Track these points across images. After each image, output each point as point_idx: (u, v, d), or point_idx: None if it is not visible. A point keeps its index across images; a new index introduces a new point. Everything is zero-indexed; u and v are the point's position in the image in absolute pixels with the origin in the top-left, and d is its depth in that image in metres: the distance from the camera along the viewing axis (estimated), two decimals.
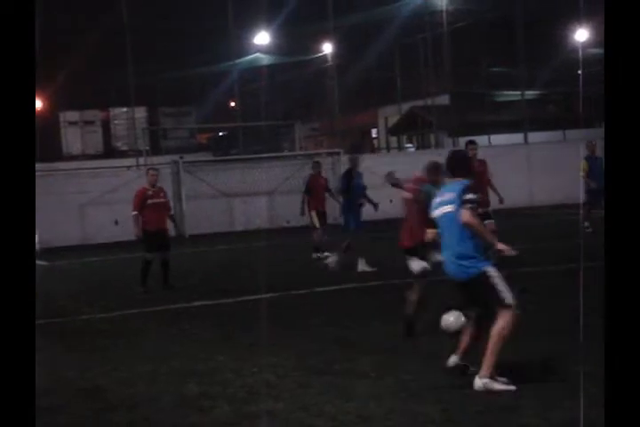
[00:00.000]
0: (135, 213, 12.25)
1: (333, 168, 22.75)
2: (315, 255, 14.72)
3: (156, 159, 25.43)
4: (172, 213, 12.90)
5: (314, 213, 15.18)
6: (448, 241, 6.14)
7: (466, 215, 5.93)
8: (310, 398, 6.11)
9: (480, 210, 11.88)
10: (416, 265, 7.97)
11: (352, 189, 13.39)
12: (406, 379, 6.41)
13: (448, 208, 6.08)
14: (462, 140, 30.39)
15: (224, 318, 9.79)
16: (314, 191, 15.35)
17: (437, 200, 6.29)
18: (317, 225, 15.05)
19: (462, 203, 5.98)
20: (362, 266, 12.96)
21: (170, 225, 12.65)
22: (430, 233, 7.22)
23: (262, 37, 33.60)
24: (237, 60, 29.93)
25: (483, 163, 12.55)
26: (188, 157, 25.86)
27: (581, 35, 32.42)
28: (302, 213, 15.42)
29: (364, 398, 6.01)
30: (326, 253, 14.29)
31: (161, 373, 7.18)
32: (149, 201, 12.22)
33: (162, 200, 12.42)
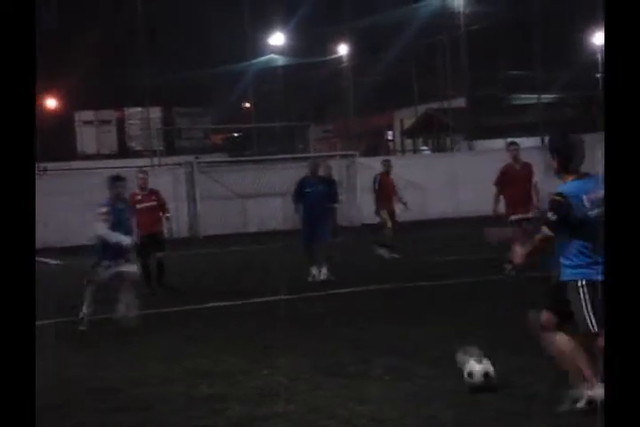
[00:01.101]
0: None
1: (348, 170, 22.71)
2: (387, 255, 14.79)
3: (170, 159, 25.45)
4: (169, 214, 12.56)
5: (385, 212, 15.23)
6: (599, 245, 5.05)
7: None
8: (323, 400, 6.04)
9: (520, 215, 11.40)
10: None
11: (307, 197, 12.75)
12: (420, 383, 6.33)
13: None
14: (479, 144, 30.33)
15: (237, 319, 9.74)
16: (384, 190, 15.28)
17: (591, 198, 5.24)
18: (389, 224, 15.12)
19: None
20: (317, 273, 12.54)
21: (165, 226, 12.43)
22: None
23: (277, 38, 33.61)
24: (252, 61, 29.94)
25: (528, 166, 12.04)
26: (203, 158, 25.82)
27: (600, 37, 32.20)
28: (377, 213, 15.45)
29: (378, 401, 5.93)
30: (382, 252, 14.82)
31: (173, 373, 7.14)
32: (138, 206, 11.78)
33: (152, 204, 12.19)
